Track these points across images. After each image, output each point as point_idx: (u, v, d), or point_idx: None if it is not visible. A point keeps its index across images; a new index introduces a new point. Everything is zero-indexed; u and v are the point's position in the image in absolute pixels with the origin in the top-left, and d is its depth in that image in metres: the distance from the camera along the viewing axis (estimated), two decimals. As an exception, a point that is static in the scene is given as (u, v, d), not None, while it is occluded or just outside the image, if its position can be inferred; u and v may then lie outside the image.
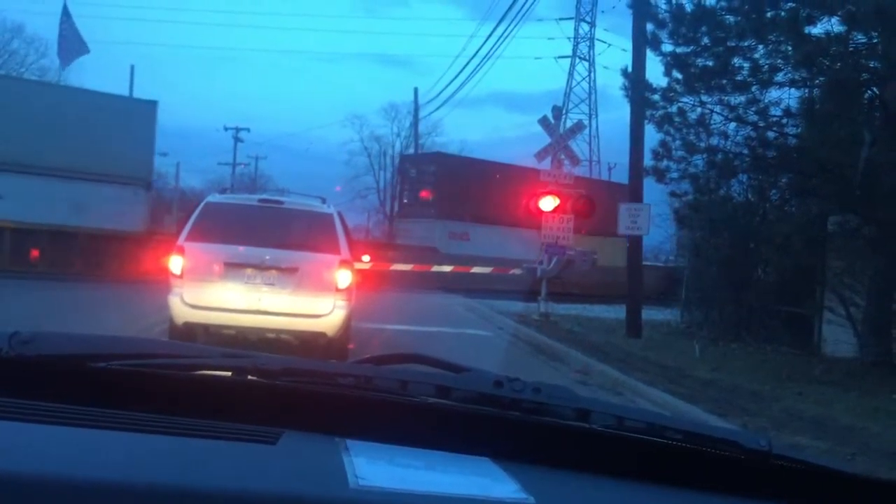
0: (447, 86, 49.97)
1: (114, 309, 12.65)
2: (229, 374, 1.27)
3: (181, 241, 9.17)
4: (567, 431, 1.24)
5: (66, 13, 29.48)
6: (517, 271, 19.36)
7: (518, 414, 1.24)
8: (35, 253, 19.26)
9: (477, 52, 46.61)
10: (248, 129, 50.93)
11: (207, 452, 1.04)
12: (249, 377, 1.26)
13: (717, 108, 12.58)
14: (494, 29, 33.09)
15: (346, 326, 9.36)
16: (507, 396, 1.25)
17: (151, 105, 21.28)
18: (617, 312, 17.03)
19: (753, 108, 12.12)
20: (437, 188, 29.19)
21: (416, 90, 43.93)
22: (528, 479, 1.11)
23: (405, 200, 31.71)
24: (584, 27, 48.38)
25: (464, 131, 58.16)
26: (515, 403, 1.25)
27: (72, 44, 29.39)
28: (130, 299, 13.77)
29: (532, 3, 36.10)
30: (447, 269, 25.11)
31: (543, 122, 16.95)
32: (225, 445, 1.06)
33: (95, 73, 49.11)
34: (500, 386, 1.27)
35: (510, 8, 37.90)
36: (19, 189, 18.44)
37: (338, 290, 9.08)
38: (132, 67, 40.50)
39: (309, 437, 1.16)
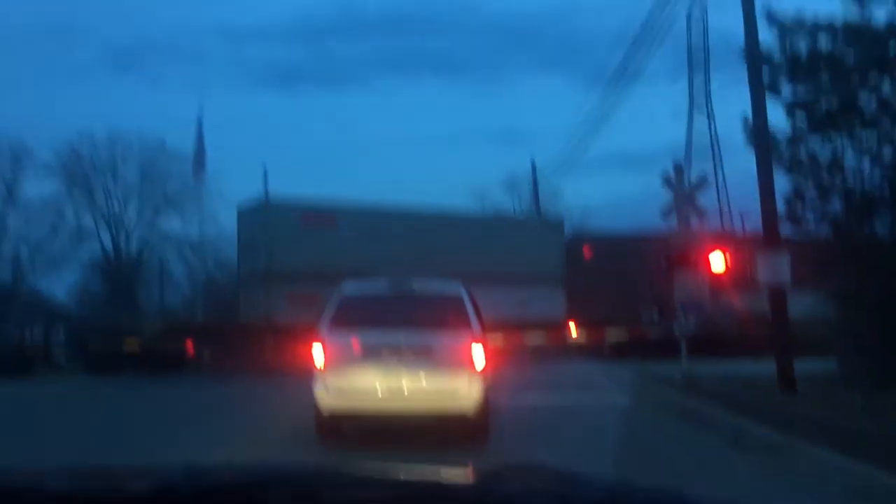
0: (564, 153, 50.01)
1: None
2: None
3: (321, 331, 9.51)
4: None
5: (199, 130, 31.99)
6: (653, 332, 18.93)
7: None
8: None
9: (591, 116, 46.56)
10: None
11: None
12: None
13: (848, 147, 12.07)
14: (606, 92, 33.05)
15: (486, 404, 9.36)
16: None
17: (560, 222, 29.12)
18: (765, 367, 16.24)
19: (887, 144, 11.57)
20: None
21: (532, 160, 44.32)
22: None
23: None
24: (699, 78, 47.54)
25: (584, 195, 58.11)
26: None
27: (202, 158, 31.92)
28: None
29: (641, 63, 35.87)
30: (580, 338, 25.01)
31: (666, 179, 16.75)
32: None
33: (232, 177, 52.30)
34: (614, 493, 1.26)
35: (620, 70, 37.84)
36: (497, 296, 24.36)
37: (474, 368, 9.14)
38: (265, 170, 42.94)
39: None
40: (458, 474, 1.54)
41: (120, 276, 44.52)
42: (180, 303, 43.30)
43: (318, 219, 24.86)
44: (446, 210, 29.40)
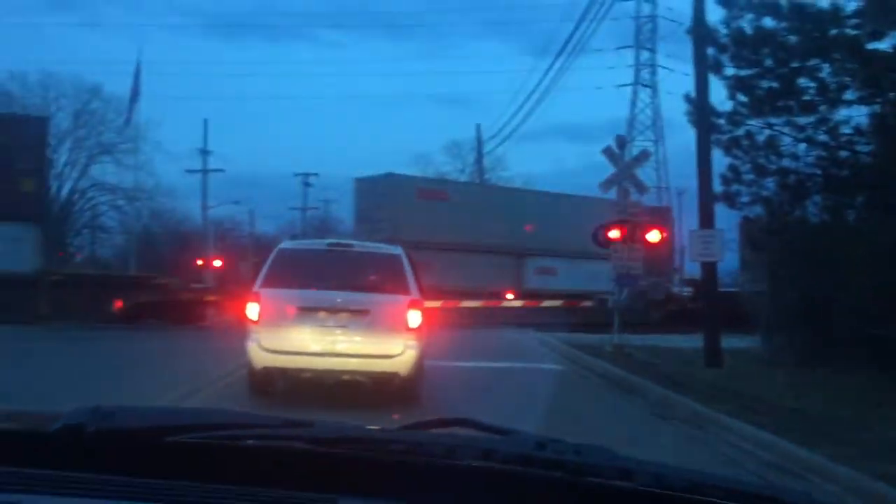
0: (508, 121, 49.95)
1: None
2: (291, 443, 1.33)
3: (256, 287, 9.40)
4: (609, 491, 1.26)
5: (137, 75, 31.03)
6: (589, 304, 19.19)
7: (561, 474, 1.26)
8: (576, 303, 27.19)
9: (537, 86, 46.55)
10: (316, 175, 51.93)
11: None
12: (308, 446, 1.31)
13: (786, 130, 12.32)
14: (553, 63, 33.20)
15: (419, 366, 9.41)
16: (549, 458, 1.27)
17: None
18: (695, 342, 16.69)
19: (823, 128, 11.85)
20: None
21: (478, 126, 44.17)
22: None
23: None
24: (645, 54, 47.93)
25: (528, 164, 58.15)
26: (558, 464, 1.27)
27: (135, 103, 31.11)
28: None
29: (588, 36, 36.04)
30: (518, 303, 25.22)
31: (607, 152, 16.84)
32: None
33: (170, 129, 51.03)
34: (543, 447, 1.29)
35: (567, 42, 37.92)
36: (567, 268, 28.26)
37: (409, 329, 9.16)
38: (205, 122, 42.16)
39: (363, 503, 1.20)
40: (384, 427, 1.53)
41: (49, 222, 43.17)
42: (112, 253, 42.32)
43: (432, 193, 27.59)
44: (537, 189, 33.68)
